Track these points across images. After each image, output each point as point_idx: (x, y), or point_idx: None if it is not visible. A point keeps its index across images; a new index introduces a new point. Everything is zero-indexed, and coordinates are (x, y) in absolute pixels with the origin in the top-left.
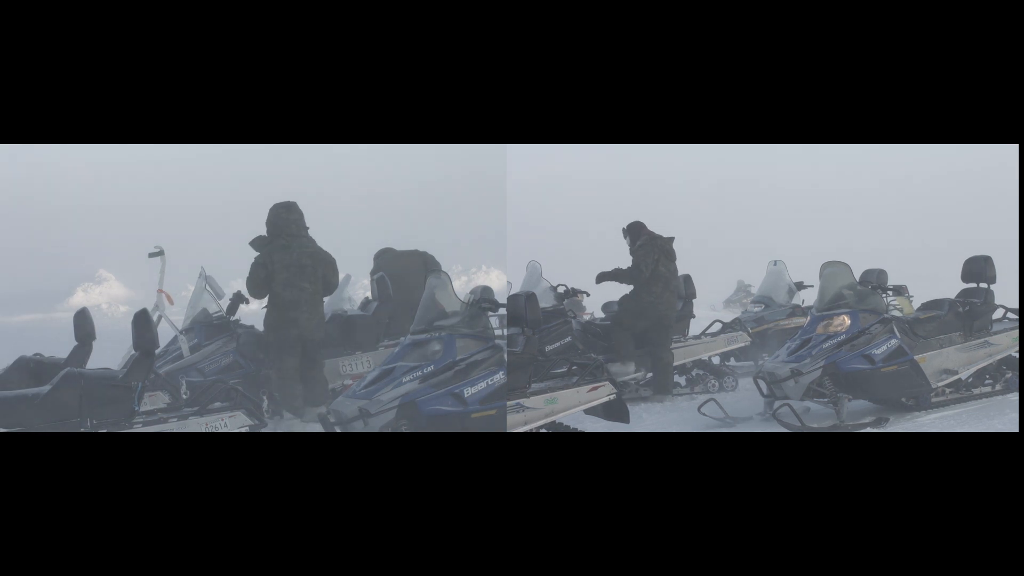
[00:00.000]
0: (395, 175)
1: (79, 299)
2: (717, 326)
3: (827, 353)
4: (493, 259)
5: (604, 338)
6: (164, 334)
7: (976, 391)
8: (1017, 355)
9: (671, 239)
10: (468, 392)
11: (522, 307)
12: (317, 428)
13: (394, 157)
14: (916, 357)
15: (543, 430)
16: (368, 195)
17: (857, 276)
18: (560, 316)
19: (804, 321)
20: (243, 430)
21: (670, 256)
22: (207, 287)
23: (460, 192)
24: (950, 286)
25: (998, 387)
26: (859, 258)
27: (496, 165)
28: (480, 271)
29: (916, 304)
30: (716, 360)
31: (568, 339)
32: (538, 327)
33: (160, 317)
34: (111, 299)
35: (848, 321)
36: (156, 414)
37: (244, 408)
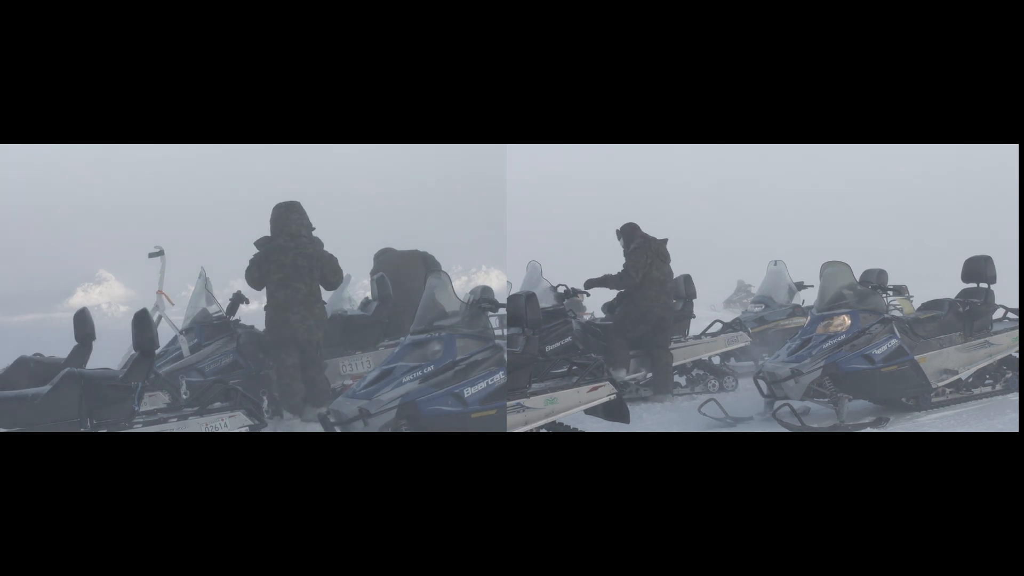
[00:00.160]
0: (395, 175)
1: (79, 299)
2: (717, 326)
3: (827, 353)
4: (493, 259)
5: (604, 338)
6: (164, 334)
7: (976, 391)
8: (1017, 355)
9: (664, 240)
10: (468, 392)
11: (522, 307)
12: (317, 428)
13: (394, 157)
14: (916, 357)
15: (543, 430)
16: (368, 195)
17: (857, 276)
18: (560, 316)
19: (804, 321)
20: (243, 430)
21: (664, 258)
22: (207, 287)
23: (460, 192)
24: (950, 286)
25: (998, 387)
26: (859, 258)
27: (496, 165)
28: (480, 271)
29: (916, 304)
30: (716, 360)
31: (568, 339)
32: (538, 327)
33: (160, 317)
34: (111, 299)
35: (848, 321)
36: (156, 414)
37: (244, 408)
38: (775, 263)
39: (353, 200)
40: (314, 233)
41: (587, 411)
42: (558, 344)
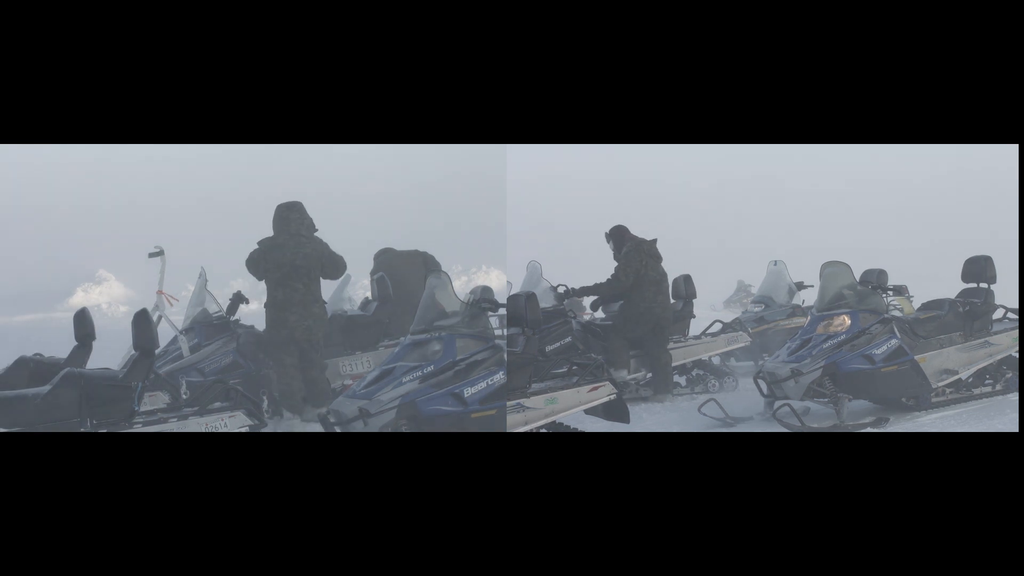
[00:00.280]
0: (395, 175)
1: (79, 299)
2: (717, 326)
3: (827, 353)
4: (493, 259)
5: (604, 338)
6: (164, 334)
7: (976, 391)
8: (1017, 355)
9: (654, 241)
10: (468, 392)
11: (522, 307)
12: (317, 428)
13: (394, 157)
14: (916, 357)
15: (543, 430)
16: (368, 195)
17: (857, 276)
18: (560, 316)
19: (804, 321)
20: (243, 430)
21: (657, 258)
22: (207, 287)
23: (460, 192)
24: (950, 286)
25: (998, 387)
26: (859, 258)
27: (496, 165)
28: (480, 271)
29: (916, 304)
30: (716, 360)
31: (568, 339)
32: (538, 327)
33: (160, 317)
34: (111, 299)
35: (848, 321)
36: (156, 414)
37: (244, 408)
38: (775, 263)
39: (353, 200)
40: (317, 234)
41: (587, 411)
42: (558, 344)
